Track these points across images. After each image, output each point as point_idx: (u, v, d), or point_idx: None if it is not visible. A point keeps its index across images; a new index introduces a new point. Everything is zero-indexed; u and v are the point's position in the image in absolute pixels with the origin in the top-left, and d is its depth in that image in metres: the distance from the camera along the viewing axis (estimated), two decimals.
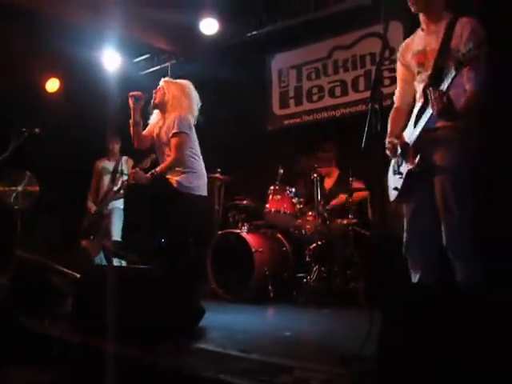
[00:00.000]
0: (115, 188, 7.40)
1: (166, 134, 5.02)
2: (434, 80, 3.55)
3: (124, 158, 7.72)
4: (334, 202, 6.82)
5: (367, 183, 6.61)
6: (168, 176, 4.93)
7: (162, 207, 4.81)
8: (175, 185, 4.89)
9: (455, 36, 3.54)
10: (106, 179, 7.66)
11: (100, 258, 7.33)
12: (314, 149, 7.07)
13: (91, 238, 7.39)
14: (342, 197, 6.72)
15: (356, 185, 6.58)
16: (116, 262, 6.56)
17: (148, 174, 4.87)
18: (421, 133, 3.59)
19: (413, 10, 3.74)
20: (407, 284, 3.68)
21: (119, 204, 7.11)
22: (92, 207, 7.53)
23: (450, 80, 3.29)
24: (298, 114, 8.41)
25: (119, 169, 7.61)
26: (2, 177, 7.21)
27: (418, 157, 3.58)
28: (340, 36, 8.01)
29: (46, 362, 4.06)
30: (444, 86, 3.33)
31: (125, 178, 7.26)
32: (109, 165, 7.75)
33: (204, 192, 5.08)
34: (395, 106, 4.08)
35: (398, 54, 4.00)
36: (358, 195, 6.69)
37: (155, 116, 5.29)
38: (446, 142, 3.55)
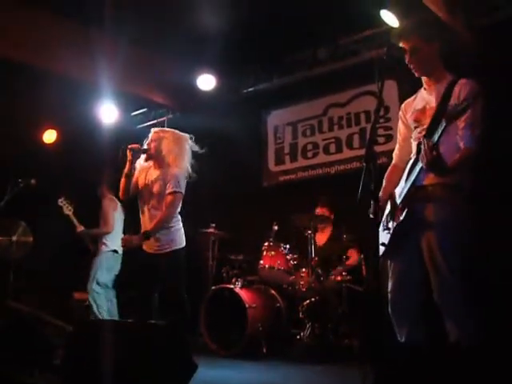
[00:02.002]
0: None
1: (161, 187, 5.07)
2: (428, 133, 3.58)
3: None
4: (348, 263, 6.76)
5: (360, 240, 6.62)
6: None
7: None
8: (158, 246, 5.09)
9: (453, 96, 3.58)
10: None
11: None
12: (309, 205, 7.10)
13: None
14: (355, 258, 6.76)
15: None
16: None
17: (138, 236, 5.06)
18: (410, 187, 3.61)
19: (416, 75, 3.82)
20: (399, 342, 3.66)
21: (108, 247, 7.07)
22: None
23: (440, 131, 3.33)
24: (293, 170, 8.46)
25: None
26: None
27: (405, 212, 3.60)
28: (335, 94, 8.13)
29: None
30: (435, 138, 3.37)
31: None
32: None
33: (183, 243, 5.20)
34: (393, 162, 4.12)
35: (400, 113, 4.05)
36: (352, 256, 6.74)
37: (143, 164, 5.33)
38: (434, 198, 3.57)
